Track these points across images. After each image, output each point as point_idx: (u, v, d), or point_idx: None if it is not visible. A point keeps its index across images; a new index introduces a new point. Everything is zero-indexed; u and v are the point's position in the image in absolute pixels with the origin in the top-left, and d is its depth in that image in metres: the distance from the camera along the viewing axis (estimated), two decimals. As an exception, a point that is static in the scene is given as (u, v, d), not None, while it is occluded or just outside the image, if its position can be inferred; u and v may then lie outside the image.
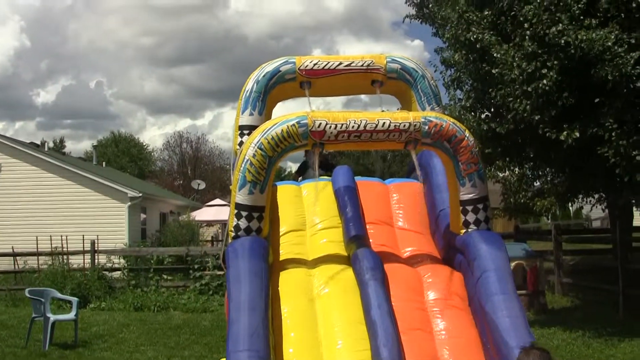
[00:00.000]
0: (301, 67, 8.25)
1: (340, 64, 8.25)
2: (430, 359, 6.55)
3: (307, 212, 8.41)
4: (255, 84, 8.28)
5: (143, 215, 35.61)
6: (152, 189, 46.05)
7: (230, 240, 7.16)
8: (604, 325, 14.96)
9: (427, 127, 6.84)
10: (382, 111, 7.52)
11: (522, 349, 4.98)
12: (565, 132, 13.54)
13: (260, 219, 7.09)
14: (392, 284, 7.07)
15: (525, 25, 13.68)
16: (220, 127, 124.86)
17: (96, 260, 23.08)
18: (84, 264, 22.86)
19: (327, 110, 7.06)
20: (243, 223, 7.04)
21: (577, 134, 13.45)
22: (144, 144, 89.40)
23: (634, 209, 19.38)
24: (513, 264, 16.94)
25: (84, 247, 23.03)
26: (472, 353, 6.64)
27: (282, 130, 6.79)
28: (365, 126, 6.75)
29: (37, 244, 23.57)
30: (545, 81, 13.26)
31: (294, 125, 6.77)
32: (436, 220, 8.08)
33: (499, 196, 21.25)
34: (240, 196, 7.00)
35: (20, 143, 35.19)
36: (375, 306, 6.55)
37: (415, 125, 6.82)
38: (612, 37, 12.56)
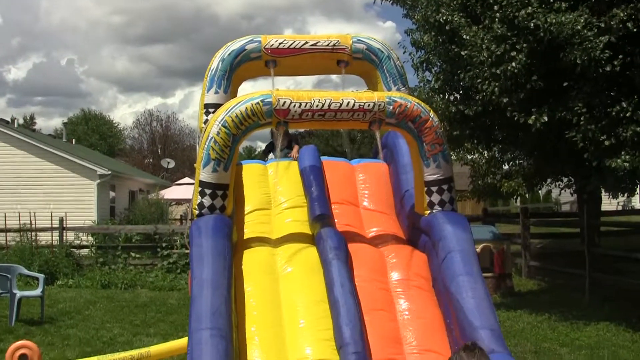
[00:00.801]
0: (267, 46, 8.21)
1: (306, 43, 8.22)
2: (393, 340, 6.54)
3: (273, 191, 8.39)
4: (220, 62, 8.24)
5: (112, 193, 35.56)
6: (121, 167, 45.94)
7: (195, 218, 7.15)
8: (570, 308, 15.08)
9: (391, 108, 6.82)
10: (353, 92, 7.50)
11: (464, 348, 4.97)
12: (533, 116, 13.60)
13: (224, 197, 7.06)
14: (356, 263, 7.07)
15: (495, 7, 13.72)
16: (191, 106, 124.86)
17: (64, 238, 23.05)
18: (52, 241, 22.81)
19: (292, 89, 7.05)
20: (207, 201, 7.01)
21: (546, 118, 13.50)
22: (115, 122, 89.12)
23: (602, 193, 19.47)
24: (480, 246, 17.05)
25: (52, 224, 22.98)
26: (435, 334, 6.65)
27: (246, 108, 6.75)
28: (329, 105, 6.73)
29: (5, 220, 23.50)
30: (514, 64, 13.30)
31: (258, 103, 6.74)
32: (401, 201, 8.07)
33: (467, 178, 21.34)
34: (204, 174, 6.97)
35: (-11, 120, 35.02)
36: (338, 285, 6.54)
37: (379, 105, 6.81)
38: (582, 20, 12.59)
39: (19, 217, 23.59)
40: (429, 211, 7.25)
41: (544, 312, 14.74)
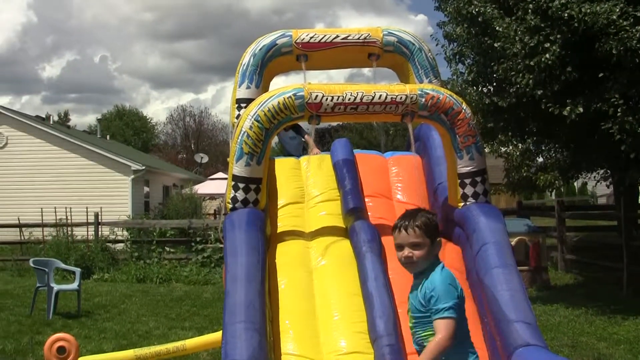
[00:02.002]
0: (297, 41, 8.23)
1: (337, 37, 8.23)
2: (427, 332, 6.54)
3: (306, 185, 8.39)
4: (252, 58, 8.27)
5: (146, 188, 35.75)
6: (155, 162, 46.22)
7: (228, 212, 7.17)
8: (608, 302, 14.96)
9: (423, 100, 6.80)
10: (385, 84, 7.48)
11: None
12: (568, 107, 13.47)
13: (258, 191, 7.07)
14: (390, 256, 7.03)
15: (528, -2, 13.61)
16: (223, 101, 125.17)
17: (100, 232, 23.23)
18: (87, 235, 23.01)
19: (324, 83, 7.05)
20: (240, 195, 7.02)
21: (581, 110, 13.38)
22: (148, 117, 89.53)
23: (640, 185, 19.30)
24: (515, 239, 16.98)
25: (87, 219, 23.18)
26: (469, 327, 6.63)
27: (278, 102, 6.76)
28: (361, 98, 6.72)
29: (42, 215, 23.75)
30: (547, 55, 13.20)
31: (290, 97, 6.75)
32: (434, 194, 8.04)
33: (501, 171, 21.22)
34: (237, 168, 6.99)
35: (25, 116, 35.40)
36: (372, 278, 6.53)
37: (411, 97, 6.78)
38: (617, 10, 12.47)
39: (55, 212, 23.80)
40: (462, 203, 7.22)
41: (581, 305, 14.62)
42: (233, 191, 7.05)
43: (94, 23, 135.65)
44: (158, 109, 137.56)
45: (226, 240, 6.79)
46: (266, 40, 8.32)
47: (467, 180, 7.16)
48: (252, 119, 6.83)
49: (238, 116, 7.96)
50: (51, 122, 39.41)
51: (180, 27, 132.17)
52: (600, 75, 13.39)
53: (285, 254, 7.20)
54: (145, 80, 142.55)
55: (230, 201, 7.09)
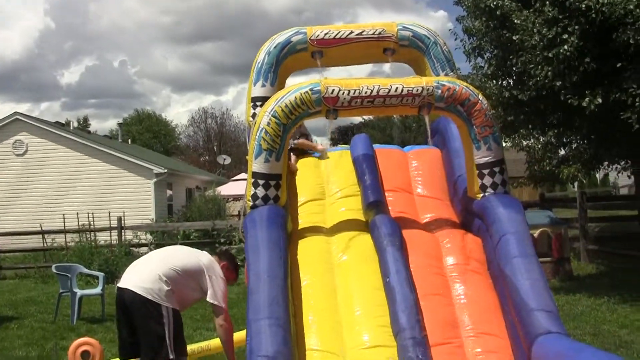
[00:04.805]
0: (312, 37, 8.24)
1: (352, 32, 8.23)
2: (450, 324, 6.55)
3: (326, 181, 8.41)
4: (266, 56, 8.29)
5: (169, 192, 35.83)
6: (177, 165, 46.31)
7: (248, 210, 7.20)
8: (629, 291, 14.92)
9: (440, 91, 6.82)
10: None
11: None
12: (587, 98, 13.45)
13: (278, 187, 7.11)
14: (411, 250, 7.07)
15: (546, -10, 13.58)
16: (244, 102, 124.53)
17: (123, 237, 23.30)
18: (110, 240, 23.08)
19: (340, 77, 7.07)
20: (260, 192, 7.06)
21: (600, 100, 13.35)
22: (169, 120, 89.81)
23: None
24: (538, 231, 16.95)
25: (110, 224, 23.26)
26: (491, 317, 6.64)
27: (295, 98, 6.80)
28: (378, 91, 6.75)
29: (64, 221, 23.80)
30: (566, 47, 13.17)
31: (307, 92, 6.78)
32: (454, 186, 8.07)
33: (523, 164, 21.17)
34: (256, 165, 7.03)
35: (45, 123, 35.52)
36: (394, 272, 6.55)
37: (428, 89, 6.81)
38: (634, 0, 12.42)
39: (78, 218, 23.88)
40: (481, 194, 7.23)
41: (603, 295, 14.60)
42: (253, 188, 7.09)
43: (111, 28, 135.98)
44: (179, 111, 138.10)
45: (247, 238, 6.83)
46: (281, 38, 8.33)
47: (486, 171, 7.17)
48: (270, 115, 6.87)
49: (254, 115, 7.99)
50: (71, 128, 39.48)
51: (199, 30, 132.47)
52: (619, 65, 13.36)
53: (307, 250, 7.23)
54: (165, 83, 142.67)
55: (250, 199, 7.13)
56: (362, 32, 8.24)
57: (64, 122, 42.42)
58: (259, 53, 8.37)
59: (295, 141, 8.81)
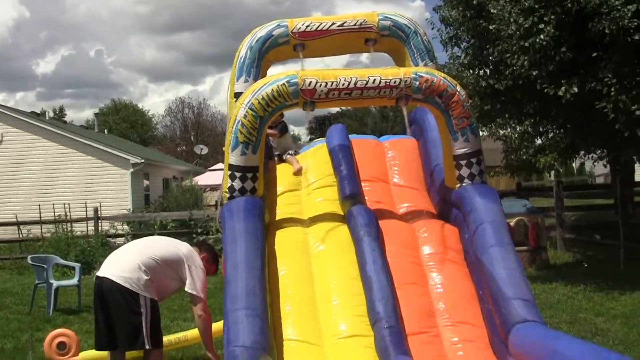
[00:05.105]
0: (294, 30, 8.26)
1: (333, 24, 8.26)
2: (426, 313, 6.59)
3: (303, 172, 8.42)
4: (248, 50, 8.28)
5: (146, 182, 35.66)
6: (154, 155, 46.09)
7: (225, 202, 7.20)
8: (605, 279, 15.01)
9: (418, 83, 6.85)
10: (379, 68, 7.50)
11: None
12: (563, 88, 13.46)
13: (254, 179, 7.12)
14: (387, 239, 7.11)
15: (522, -21, 13.60)
16: (222, 92, 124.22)
17: (100, 227, 23.19)
18: (87, 231, 22.96)
19: (317, 69, 7.07)
20: (237, 184, 7.07)
21: (576, 89, 13.36)
22: (146, 110, 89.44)
23: (636, 164, 19.30)
24: (514, 220, 17.02)
25: (86, 214, 23.14)
26: (468, 306, 6.68)
27: (272, 90, 6.81)
28: (355, 83, 6.77)
29: (40, 212, 23.67)
30: (542, 36, 13.18)
31: (284, 84, 6.80)
32: (431, 176, 8.11)
33: (500, 154, 21.23)
34: (233, 157, 7.04)
35: (21, 113, 35.23)
36: (370, 262, 6.59)
37: (406, 81, 6.83)
38: (609, -11, 12.46)
39: (54, 208, 23.77)
40: (458, 185, 7.28)
41: (579, 283, 14.67)
42: (230, 180, 7.10)
43: (88, 17, 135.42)
44: (156, 101, 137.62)
45: (225, 229, 6.85)
46: (262, 31, 8.33)
47: (463, 162, 7.22)
48: (247, 108, 6.88)
49: (235, 108, 8.00)
50: (47, 118, 39.13)
51: (176, 19, 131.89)
52: (594, 55, 13.39)
53: (284, 240, 7.25)
54: (142, 73, 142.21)
55: (227, 190, 7.13)
56: (343, 23, 8.26)
57: (39, 112, 41.95)
58: (240, 47, 8.36)
59: (286, 157, 8.81)
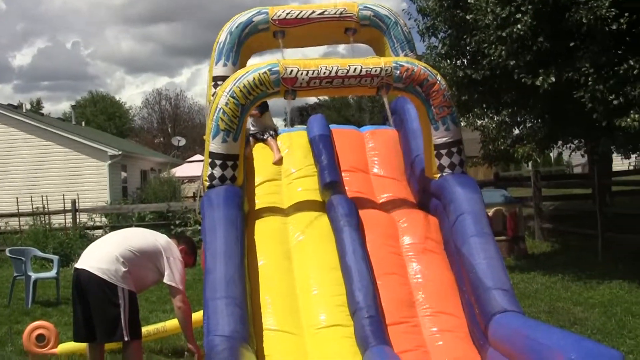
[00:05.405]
0: (274, 17, 8.27)
1: (313, 12, 8.28)
2: (406, 303, 6.60)
3: (283, 161, 8.42)
4: (228, 35, 8.32)
5: (124, 174, 35.51)
6: (131, 147, 45.94)
7: (205, 190, 7.19)
8: (584, 268, 15.07)
9: (398, 72, 6.86)
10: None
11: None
12: (540, 77, 13.48)
13: (235, 168, 7.10)
14: (367, 229, 7.11)
15: (499, -31, 13.61)
16: (199, 83, 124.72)
17: (77, 219, 23.10)
18: (65, 223, 22.88)
19: (298, 58, 7.07)
20: (217, 172, 7.05)
21: (553, 79, 13.37)
22: (123, 102, 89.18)
23: (614, 153, 19.39)
24: (492, 210, 17.05)
25: (64, 207, 23.05)
26: (447, 296, 6.70)
27: (253, 78, 6.81)
28: (336, 72, 6.77)
29: (17, 204, 23.57)
30: (519, 26, 13.19)
31: (265, 72, 6.79)
32: (411, 166, 8.11)
33: (478, 144, 21.26)
34: (214, 145, 7.02)
35: (-3, 105, 34.98)
36: (350, 252, 6.59)
37: (386, 70, 6.84)
38: (586, -21, 12.48)
39: (32, 201, 23.69)
40: (439, 174, 7.29)
41: (558, 273, 14.74)
42: (210, 168, 7.09)
43: (64, 9, 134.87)
44: (133, 93, 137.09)
45: (204, 218, 6.83)
46: (242, 17, 8.36)
47: (443, 151, 7.23)
48: (228, 96, 6.87)
49: (214, 94, 7.95)
50: (24, 110, 38.94)
51: (152, 11, 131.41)
52: (572, 44, 13.42)
53: (264, 230, 7.24)
54: (119, 65, 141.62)
55: (207, 178, 7.12)
56: (324, 11, 8.27)
57: (16, 104, 41.67)
58: (220, 33, 8.40)
59: (266, 137, 8.76)
